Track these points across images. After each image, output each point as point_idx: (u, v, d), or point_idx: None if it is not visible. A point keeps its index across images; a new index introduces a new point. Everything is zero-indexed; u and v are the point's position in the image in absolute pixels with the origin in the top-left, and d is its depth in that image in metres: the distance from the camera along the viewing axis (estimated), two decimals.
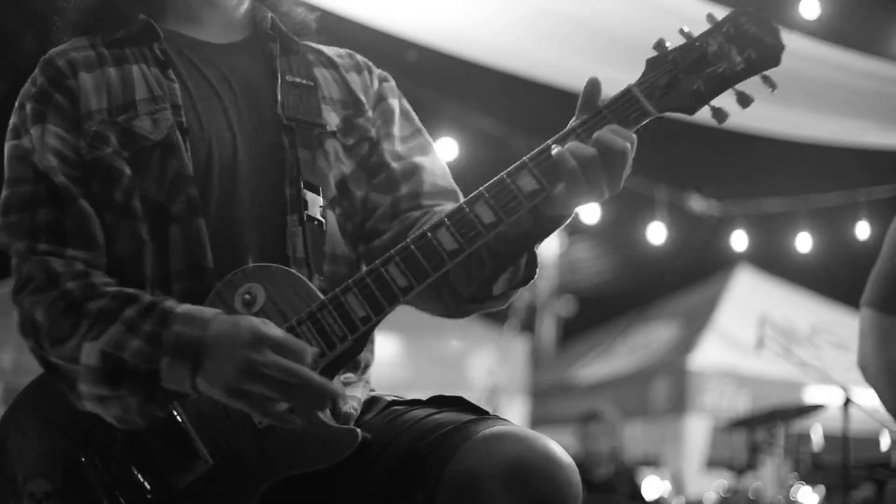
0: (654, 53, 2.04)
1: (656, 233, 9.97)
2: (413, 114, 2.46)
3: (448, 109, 8.56)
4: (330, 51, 2.46)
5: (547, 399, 13.70)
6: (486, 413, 2.07)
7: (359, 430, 2.00)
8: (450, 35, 7.29)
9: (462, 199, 2.05)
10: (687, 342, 11.81)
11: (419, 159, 2.36)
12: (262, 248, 2.15)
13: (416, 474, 1.96)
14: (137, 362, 1.95)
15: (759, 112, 7.73)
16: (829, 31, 6.57)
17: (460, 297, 2.24)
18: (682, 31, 2.04)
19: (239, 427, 2.00)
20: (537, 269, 2.17)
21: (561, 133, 2.01)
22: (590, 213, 9.66)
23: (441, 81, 8.01)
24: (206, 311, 1.97)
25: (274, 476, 2.00)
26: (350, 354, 2.05)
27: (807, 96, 7.24)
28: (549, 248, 16.34)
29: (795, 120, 7.81)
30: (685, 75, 2.02)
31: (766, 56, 2.02)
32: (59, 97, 2.19)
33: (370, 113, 2.36)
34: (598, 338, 14.90)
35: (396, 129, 2.39)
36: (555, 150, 1.97)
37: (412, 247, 2.00)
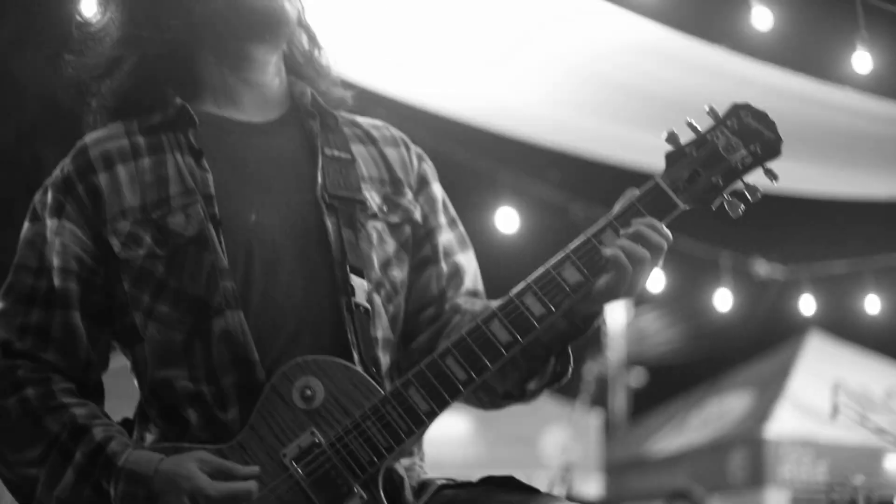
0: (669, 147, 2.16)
1: (722, 299, 9.85)
2: (447, 200, 2.47)
3: (506, 179, 8.56)
4: (365, 122, 2.46)
5: (622, 475, 13.52)
6: (537, 491, 2.09)
7: None
8: (505, 114, 7.32)
9: (509, 293, 2.11)
10: (762, 411, 11.60)
11: (460, 259, 2.39)
12: (312, 335, 2.15)
13: None
14: None
15: (817, 174, 7.69)
16: (882, 84, 6.51)
17: (495, 394, 2.27)
18: (689, 125, 2.18)
19: None
20: (570, 366, 2.23)
21: (596, 226, 2.10)
22: (655, 281, 9.57)
23: (499, 152, 8.06)
24: (148, 466, 1.99)
25: None
26: (412, 444, 2.15)
27: (865, 154, 7.18)
28: (617, 319, 16.25)
29: (855, 179, 7.73)
30: (703, 169, 2.14)
31: (768, 149, 2.15)
32: (83, 192, 2.20)
33: (410, 195, 2.36)
34: (671, 409, 14.71)
35: (442, 219, 2.40)
36: (608, 251, 2.04)
37: (468, 339, 2.04)
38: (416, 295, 2.34)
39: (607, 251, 2.04)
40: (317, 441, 2.02)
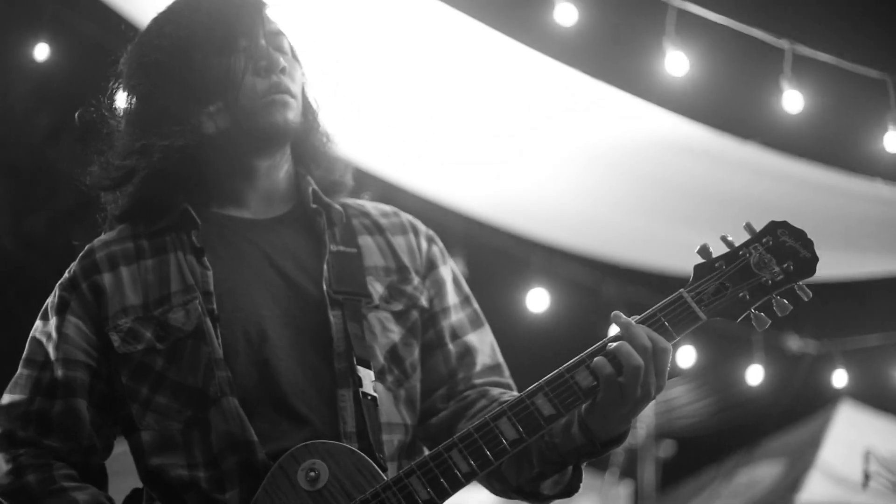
0: (700, 259, 2.22)
1: (754, 374, 9.90)
2: (461, 278, 2.55)
3: (538, 259, 8.63)
4: (374, 210, 2.52)
5: None
6: None
7: None
8: (527, 213, 7.40)
9: (508, 375, 2.26)
10: (792, 481, 11.55)
11: (471, 339, 2.45)
12: (311, 422, 2.23)
13: None
14: None
15: (849, 259, 7.73)
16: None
17: (508, 485, 2.34)
18: (724, 240, 2.22)
19: None
20: (580, 484, 2.28)
21: (615, 335, 2.15)
22: (685, 356, 9.64)
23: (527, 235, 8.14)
24: None
25: None
26: None
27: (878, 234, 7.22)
28: None
29: (885, 263, 7.80)
30: (731, 283, 2.17)
31: (802, 268, 2.19)
32: (86, 289, 2.30)
33: (417, 280, 2.42)
34: (701, 481, 14.61)
35: (450, 300, 2.47)
36: (596, 359, 2.11)
37: (475, 434, 2.11)
38: (427, 377, 2.42)
39: (596, 359, 2.09)
40: None
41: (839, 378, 10.20)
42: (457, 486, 2.10)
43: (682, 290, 2.17)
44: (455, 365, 2.41)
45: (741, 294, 2.16)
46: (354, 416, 2.22)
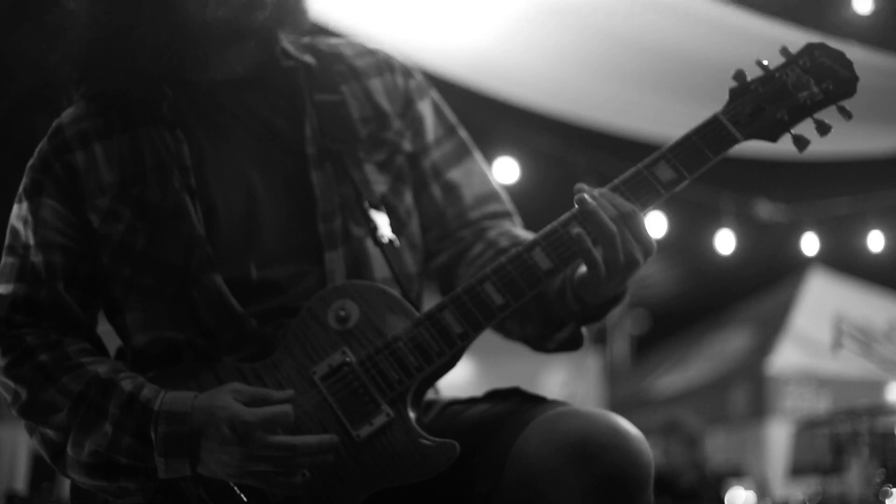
0: (734, 84, 2.13)
1: (724, 242, 9.87)
2: (444, 109, 2.44)
3: (505, 130, 8.57)
4: (348, 50, 2.41)
5: (624, 413, 13.59)
6: (543, 399, 2.08)
7: (455, 443, 1.99)
8: (495, 73, 7.26)
9: (505, 200, 2.19)
10: (763, 347, 11.71)
11: (454, 175, 2.37)
12: (302, 283, 2.16)
13: (477, 466, 1.98)
14: (132, 461, 1.99)
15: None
16: (883, 35, 6.54)
17: (513, 335, 2.32)
18: (759, 63, 2.15)
19: (336, 440, 1.99)
20: (585, 339, 2.24)
21: (648, 160, 2.07)
22: (656, 226, 9.63)
23: (496, 102, 8.05)
24: (184, 404, 1.96)
25: (371, 490, 2.00)
26: (444, 370, 2.10)
27: (865, 107, 7.18)
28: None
29: (858, 133, 7.78)
30: (768, 104, 2.11)
31: (842, 88, 2.12)
32: (60, 169, 2.19)
33: (396, 123, 2.33)
34: (672, 348, 14.81)
35: (429, 136, 2.38)
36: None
37: (508, 266, 2.05)
38: (421, 220, 2.36)
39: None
40: (347, 360, 2.04)
41: (810, 245, 10.23)
42: (491, 318, 2.04)
43: (716, 112, 2.10)
44: (442, 204, 2.35)
45: (779, 115, 2.10)
46: (345, 277, 2.15)
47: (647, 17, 6.43)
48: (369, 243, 2.20)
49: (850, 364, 9.29)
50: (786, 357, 11.24)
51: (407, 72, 2.41)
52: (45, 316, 2.15)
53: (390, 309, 2.08)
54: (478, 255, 2.28)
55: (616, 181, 2.06)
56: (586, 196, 2.01)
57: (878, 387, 10.15)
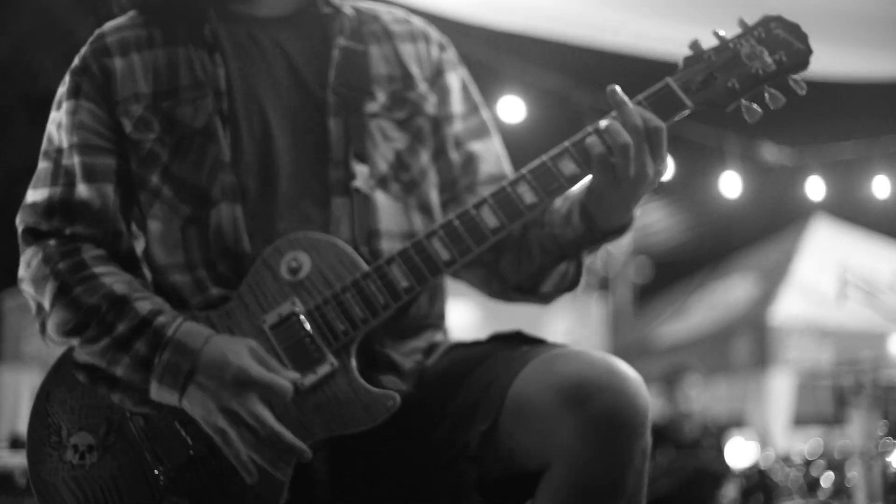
0: (689, 52, 2.17)
1: (730, 184, 9.75)
2: (471, 87, 2.48)
3: (511, 68, 8.54)
4: (387, 16, 2.45)
5: (626, 360, 13.62)
6: (545, 342, 2.12)
7: (396, 394, 2.05)
8: (506, 7, 7.21)
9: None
10: (766, 297, 11.67)
11: (475, 147, 2.41)
12: (305, 227, 2.18)
13: (476, 406, 2.03)
14: (129, 378, 2.05)
15: (821, 54, 7.60)
16: None
17: (506, 284, 2.35)
18: (715, 34, 2.18)
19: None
20: (582, 278, 2.30)
21: (602, 121, 2.09)
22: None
23: (502, 40, 8.00)
24: (198, 339, 2.03)
25: (313, 437, 2.05)
26: (393, 321, 2.15)
27: (868, 33, 7.10)
28: None
29: (859, 58, 7.67)
30: (720, 73, 2.15)
31: (795, 60, 2.16)
32: (97, 71, 2.24)
33: (422, 86, 2.37)
34: (675, 296, 14.78)
35: (455, 108, 2.42)
36: (589, 138, 2.08)
37: (455, 222, 2.10)
38: (436, 183, 2.38)
39: (587, 139, 2.06)
40: (296, 310, 2.09)
41: (815, 189, 10.11)
42: (437, 272, 2.11)
43: (667, 77, 2.15)
44: (458, 173, 2.39)
45: (730, 83, 2.14)
46: (349, 224, 2.20)
47: None
48: (378, 193, 2.24)
49: (853, 315, 9.19)
50: (789, 307, 11.17)
51: (442, 45, 2.45)
52: (76, 218, 2.19)
53: (340, 261, 2.13)
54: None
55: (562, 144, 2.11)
56: (618, 89, 2.07)
57: (881, 339, 10.08)
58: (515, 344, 2.12)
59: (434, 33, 2.46)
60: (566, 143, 2.11)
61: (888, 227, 11.85)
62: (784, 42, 2.16)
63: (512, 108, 8.51)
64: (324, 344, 2.08)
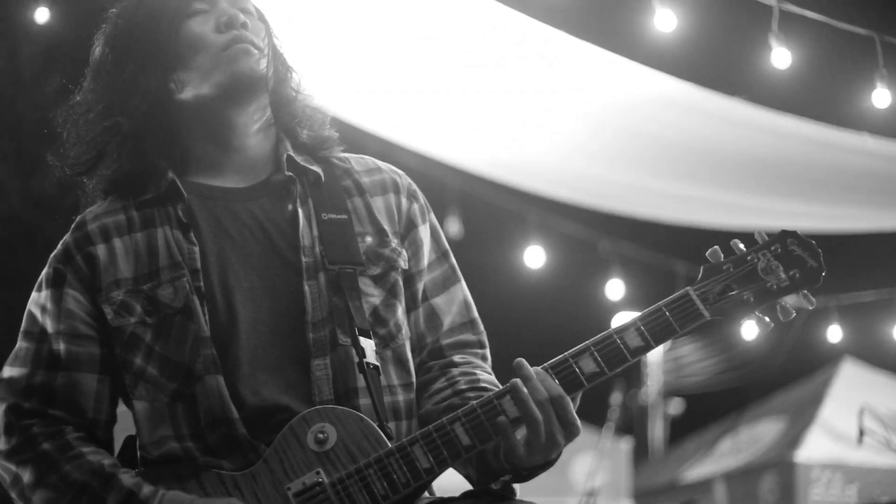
0: (709, 262, 2.26)
1: (748, 329, 9.88)
2: (440, 233, 2.55)
3: (535, 216, 8.71)
4: (357, 166, 2.50)
5: (654, 500, 13.59)
6: (512, 499, 2.24)
7: None
8: (529, 170, 7.53)
9: (481, 330, 2.36)
10: (793, 437, 11.67)
11: (438, 301, 2.47)
12: (287, 394, 2.27)
13: None
14: None
15: (838, 214, 7.78)
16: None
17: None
18: (734, 245, 2.26)
19: None
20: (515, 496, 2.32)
21: (620, 325, 2.22)
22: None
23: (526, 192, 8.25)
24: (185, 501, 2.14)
25: None
26: (410, 499, 2.22)
27: (882, 192, 7.31)
28: (656, 350, 16.17)
29: (874, 216, 7.92)
30: (737, 286, 2.21)
31: (808, 277, 2.22)
32: (81, 261, 2.32)
33: (395, 242, 2.42)
34: (704, 437, 14.74)
35: (425, 261, 2.47)
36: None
37: (479, 411, 2.18)
38: (409, 336, 2.45)
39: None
40: (320, 480, 2.17)
41: (835, 334, 10.27)
42: (457, 457, 2.18)
43: (688, 287, 2.23)
44: (424, 328, 2.45)
45: (745, 296, 2.20)
46: (331, 385, 2.28)
47: (668, 115, 6.63)
48: (327, 365, 2.29)
49: (877, 455, 9.27)
50: (815, 447, 11.19)
51: (412, 194, 2.50)
52: (56, 403, 2.27)
53: (365, 437, 2.21)
54: (438, 391, 2.39)
55: (586, 343, 2.21)
56: (519, 383, 2.15)
57: None
58: (485, 501, 2.23)
59: (403, 180, 2.50)
60: (590, 344, 2.19)
61: None
62: (798, 259, 2.20)
63: (535, 256, 8.69)
64: None
